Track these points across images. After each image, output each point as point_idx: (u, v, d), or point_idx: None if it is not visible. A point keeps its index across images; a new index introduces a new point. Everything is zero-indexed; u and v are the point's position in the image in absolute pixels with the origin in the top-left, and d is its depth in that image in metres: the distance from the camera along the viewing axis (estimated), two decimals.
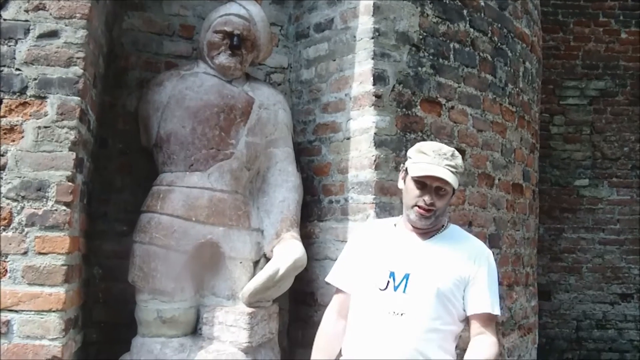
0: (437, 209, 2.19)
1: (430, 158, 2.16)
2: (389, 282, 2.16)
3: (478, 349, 2.12)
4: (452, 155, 2.20)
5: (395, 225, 2.34)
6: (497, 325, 2.16)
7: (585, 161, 6.32)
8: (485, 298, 2.16)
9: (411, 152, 2.25)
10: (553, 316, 6.19)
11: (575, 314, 6.21)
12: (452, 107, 3.38)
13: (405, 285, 2.14)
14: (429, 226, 2.23)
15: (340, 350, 2.29)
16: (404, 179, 2.26)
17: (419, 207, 2.18)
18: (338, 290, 2.38)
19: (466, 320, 2.21)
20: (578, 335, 6.19)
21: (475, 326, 2.17)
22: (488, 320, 2.16)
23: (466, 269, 2.17)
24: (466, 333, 2.23)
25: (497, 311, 2.18)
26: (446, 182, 2.15)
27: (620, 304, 6.20)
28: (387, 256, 2.23)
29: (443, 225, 2.29)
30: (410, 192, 2.21)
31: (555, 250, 6.24)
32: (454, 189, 2.22)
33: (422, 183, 2.17)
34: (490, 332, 2.15)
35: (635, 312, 6.17)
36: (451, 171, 2.15)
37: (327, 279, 2.43)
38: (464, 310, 2.18)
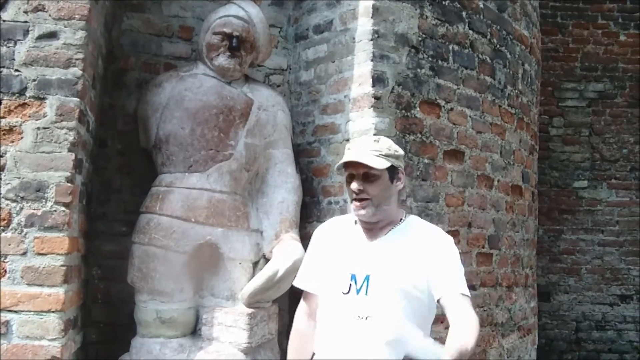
0: (372, 197, 2.11)
1: (352, 150, 2.14)
2: (350, 285, 2.11)
3: (459, 331, 1.96)
4: (377, 141, 2.16)
5: (355, 222, 2.25)
6: (469, 304, 2.01)
7: (584, 163, 6.33)
8: (452, 279, 2.03)
9: None
10: (552, 317, 6.19)
11: (574, 315, 6.21)
12: (452, 109, 3.38)
13: (367, 288, 2.08)
14: (373, 218, 2.14)
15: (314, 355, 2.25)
16: None
17: (354, 200, 2.14)
18: (306, 293, 2.32)
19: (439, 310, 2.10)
20: (577, 336, 6.19)
21: (448, 310, 2.02)
22: (460, 299, 2.02)
23: (426, 260, 2.06)
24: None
25: (466, 291, 2.04)
26: (370, 167, 2.08)
27: (619, 305, 6.20)
28: (347, 257, 2.17)
29: (401, 219, 2.20)
30: (347, 189, 2.20)
31: (554, 251, 6.25)
32: (389, 174, 2.13)
33: (351, 175, 2.14)
34: (466, 310, 1.99)
35: (635, 314, 6.17)
36: (374, 155, 2.10)
37: (294, 283, 2.37)
38: (435, 301, 2.07)
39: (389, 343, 2.03)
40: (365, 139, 2.22)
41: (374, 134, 3.06)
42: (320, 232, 2.34)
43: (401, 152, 2.22)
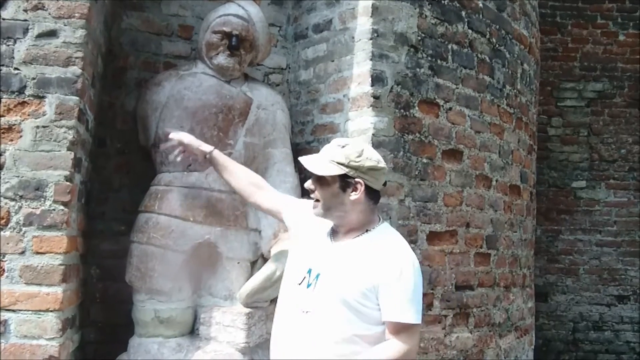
0: (319, 200, 2.16)
1: (320, 151, 2.21)
2: (305, 277, 2.15)
3: (374, 350, 2.04)
4: (343, 146, 2.13)
5: None
6: (413, 332, 2.06)
7: (582, 163, 6.34)
8: (394, 306, 2.02)
9: None
10: (550, 318, 6.20)
11: (572, 316, 6.22)
12: (450, 109, 3.38)
13: (315, 285, 2.11)
14: (326, 217, 2.19)
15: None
16: None
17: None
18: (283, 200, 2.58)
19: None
20: (575, 336, 6.20)
21: (387, 334, 2.06)
22: (397, 328, 2.03)
23: (376, 276, 2.04)
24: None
25: (407, 319, 2.03)
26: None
27: (616, 305, 6.22)
28: (311, 251, 2.22)
29: (368, 230, 2.17)
30: None
31: (552, 251, 6.26)
32: (341, 182, 2.12)
33: (311, 174, 2.19)
34: (399, 339, 2.03)
35: (632, 314, 6.19)
36: (327, 160, 2.12)
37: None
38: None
39: (323, 341, 2.06)
40: (335, 143, 2.17)
41: (373, 134, 3.07)
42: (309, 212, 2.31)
43: (370, 163, 2.12)
